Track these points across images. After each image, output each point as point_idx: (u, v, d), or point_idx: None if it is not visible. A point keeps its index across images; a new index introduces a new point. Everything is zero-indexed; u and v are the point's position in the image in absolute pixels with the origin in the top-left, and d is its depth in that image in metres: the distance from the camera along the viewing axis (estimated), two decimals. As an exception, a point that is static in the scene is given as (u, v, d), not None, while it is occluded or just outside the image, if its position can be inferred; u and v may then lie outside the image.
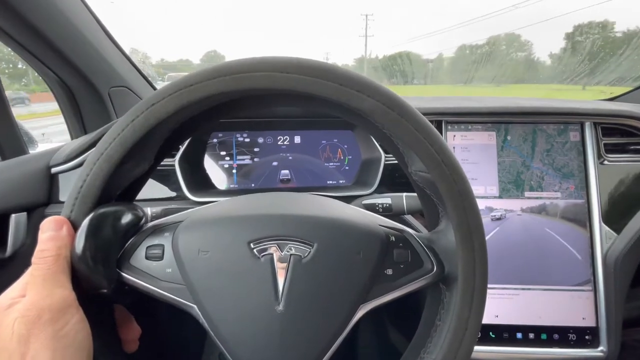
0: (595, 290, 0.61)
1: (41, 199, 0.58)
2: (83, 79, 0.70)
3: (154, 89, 0.86)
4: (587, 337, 0.60)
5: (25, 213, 0.55)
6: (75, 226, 0.27)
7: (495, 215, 0.64)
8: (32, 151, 0.70)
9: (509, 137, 0.65)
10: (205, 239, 0.30)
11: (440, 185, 0.27)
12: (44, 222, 0.26)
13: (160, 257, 0.30)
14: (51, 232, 0.26)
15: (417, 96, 0.89)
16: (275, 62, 0.26)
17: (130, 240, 0.30)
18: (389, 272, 0.31)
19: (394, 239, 0.32)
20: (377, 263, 0.30)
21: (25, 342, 0.22)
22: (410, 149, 0.28)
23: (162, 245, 0.30)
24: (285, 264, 0.29)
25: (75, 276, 0.26)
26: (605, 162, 0.64)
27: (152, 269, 0.29)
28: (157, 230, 0.31)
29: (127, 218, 0.29)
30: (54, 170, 0.60)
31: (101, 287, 0.27)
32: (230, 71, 0.26)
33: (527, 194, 0.64)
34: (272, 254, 0.29)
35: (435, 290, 0.33)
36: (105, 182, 0.27)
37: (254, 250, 0.29)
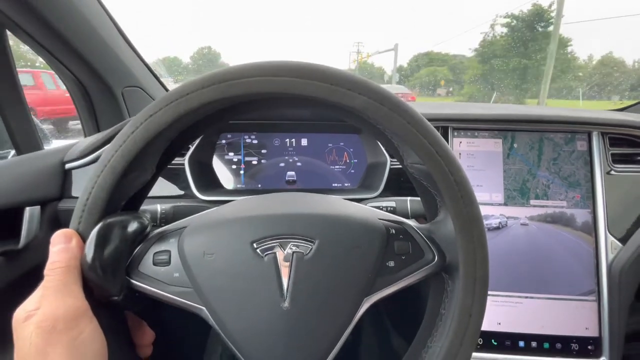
0: (599, 300, 0.60)
1: (54, 193, 0.60)
2: (98, 79, 0.72)
3: (166, 89, 0.88)
4: (589, 347, 0.60)
5: (38, 206, 0.56)
6: (83, 238, 0.27)
7: (492, 224, 0.63)
8: (46, 147, 0.72)
9: (515, 145, 0.65)
10: (209, 242, 0.31)
11: (435, 176, 0.28)
12: (54, 236, 0.27)
13: (167, 263, 0.30)
14: (61, 244, 0.27)
15: (422, 102, 0.90)
16: (268, 66, 0.27)
17: (138, 248, 0.31)
18: (391, 264, 0.31)
19: (394, 231, 0.33)
20: (379, 256, 0.31)
21: (43, 352, 0.23)
22: (404, 143, 0.29)
23: (169, 251, 0.31)
24: (288, 262, 0.30)
25: (86, 285, 0.27)
26: (612, 172, 0.64)
27: (160, 275, 0.30)
28: (163, 236, 0.32)
29: (133, 226, 0.30)
30: (67, 166, 0.62)
31: (112, 295, 0.28)
32: (224, 78, 0.27)
33: (532, 202, 0.64)
34: (275, 253, 0.30)
35: (438, 279, 0.33)
36: (110, 193, 0.28)
37: (257, 250, 0.30)
